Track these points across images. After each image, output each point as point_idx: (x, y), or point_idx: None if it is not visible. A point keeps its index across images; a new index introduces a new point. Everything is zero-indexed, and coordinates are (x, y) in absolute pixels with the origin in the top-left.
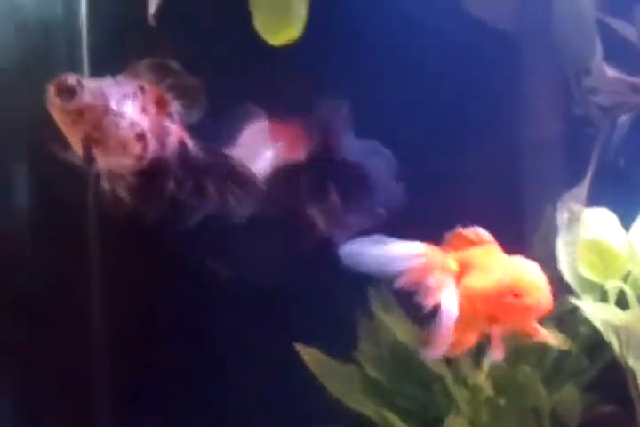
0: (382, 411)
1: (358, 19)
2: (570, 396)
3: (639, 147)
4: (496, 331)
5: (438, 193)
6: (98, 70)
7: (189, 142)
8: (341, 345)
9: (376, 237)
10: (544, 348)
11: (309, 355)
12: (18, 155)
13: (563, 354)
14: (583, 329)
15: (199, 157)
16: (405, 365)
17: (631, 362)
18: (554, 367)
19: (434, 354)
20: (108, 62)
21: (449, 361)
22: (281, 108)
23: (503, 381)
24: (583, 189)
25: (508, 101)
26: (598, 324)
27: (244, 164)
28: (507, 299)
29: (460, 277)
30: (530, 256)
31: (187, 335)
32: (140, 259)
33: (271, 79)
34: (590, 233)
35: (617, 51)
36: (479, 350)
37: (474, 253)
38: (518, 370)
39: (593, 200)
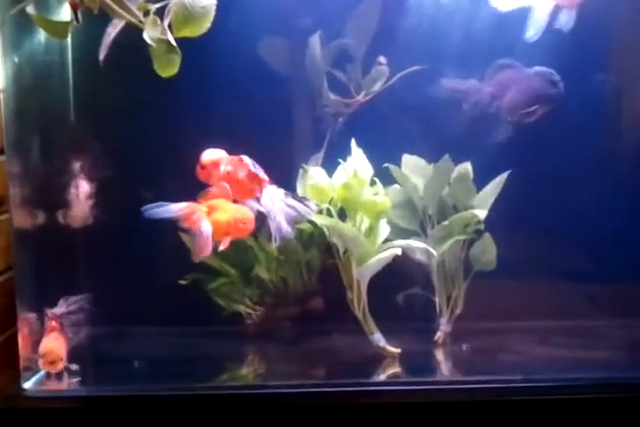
0: (222, 263)
1: None
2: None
3: (350, 134)
4: (227, 239)
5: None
6: None
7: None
8: None
9: (160, 203)
10: (316, 234)
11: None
12: None
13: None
14: None
15: None
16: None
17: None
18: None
19: (197, 257)
20: None
21: (256, 237)
22: None
23: (285, 247)
24: (320, 156)
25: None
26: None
27: None
28: (239, 225)
29: (209, 213)
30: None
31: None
32: None
33: None
34: (311, 181)
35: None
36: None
37: (216, 203)
38: (293, 243)
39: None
